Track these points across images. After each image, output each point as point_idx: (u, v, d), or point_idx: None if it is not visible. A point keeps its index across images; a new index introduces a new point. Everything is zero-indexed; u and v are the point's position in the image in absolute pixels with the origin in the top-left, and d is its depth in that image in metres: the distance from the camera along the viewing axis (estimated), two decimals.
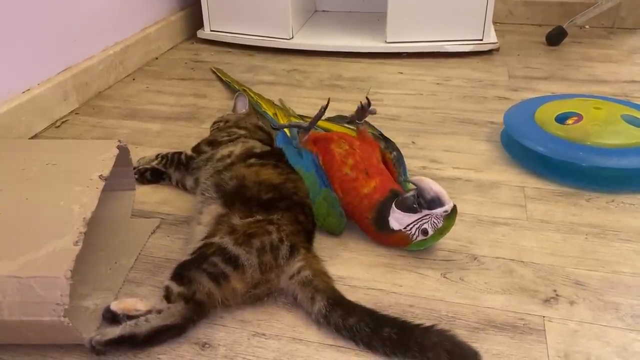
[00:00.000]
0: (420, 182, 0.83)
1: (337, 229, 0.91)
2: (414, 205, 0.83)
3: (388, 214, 0.86)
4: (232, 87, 1.51)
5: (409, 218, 0.84)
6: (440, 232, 0.84)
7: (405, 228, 0.85)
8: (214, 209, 0.85)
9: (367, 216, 0.89)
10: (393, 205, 0.86)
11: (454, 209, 0.83)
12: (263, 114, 1.27)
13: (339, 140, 0.98)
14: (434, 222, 0.83)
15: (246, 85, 1.52)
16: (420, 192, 0.83)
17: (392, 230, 0.86)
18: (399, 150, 1.05)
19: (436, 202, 0.82)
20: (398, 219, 0.85)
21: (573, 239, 0.91)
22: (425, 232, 0.84)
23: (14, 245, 0.68)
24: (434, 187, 0.82)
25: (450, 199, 0.82)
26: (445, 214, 0.82)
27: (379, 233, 0.89)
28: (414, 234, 0.85)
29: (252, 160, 0.94)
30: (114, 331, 0.69)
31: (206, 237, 0.80)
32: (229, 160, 0.95)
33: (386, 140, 1.07)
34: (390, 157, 1.02)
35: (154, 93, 1.54)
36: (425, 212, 0.83)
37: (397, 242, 0.87)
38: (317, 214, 0.90)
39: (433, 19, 1.73)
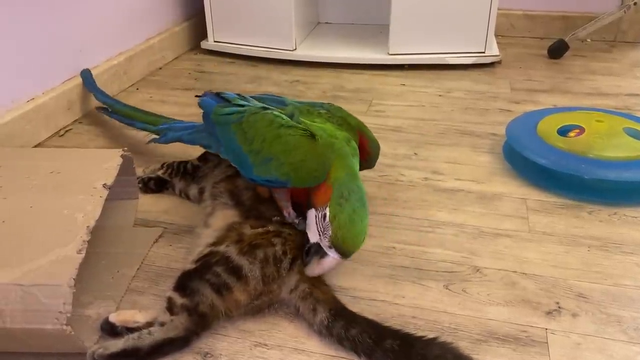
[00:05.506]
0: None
1: None
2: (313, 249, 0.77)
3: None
4: None
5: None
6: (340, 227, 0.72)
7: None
8: (228, 215, 0.85)
9: None
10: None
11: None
12: None
13: None
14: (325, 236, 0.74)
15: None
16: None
17: None
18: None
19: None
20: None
21: (575, 252, 0.91)
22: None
23: (18, 253, 0.69)
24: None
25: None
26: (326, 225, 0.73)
27: None
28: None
29: None
30: (117, 344, 0.69)
31: (213, 245, 0.80)
32: None
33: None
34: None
35: (158, 103, 1.55)
36: (320, 241, 0.75)
37: None
38: None
39: (435, 31, 1.74)
